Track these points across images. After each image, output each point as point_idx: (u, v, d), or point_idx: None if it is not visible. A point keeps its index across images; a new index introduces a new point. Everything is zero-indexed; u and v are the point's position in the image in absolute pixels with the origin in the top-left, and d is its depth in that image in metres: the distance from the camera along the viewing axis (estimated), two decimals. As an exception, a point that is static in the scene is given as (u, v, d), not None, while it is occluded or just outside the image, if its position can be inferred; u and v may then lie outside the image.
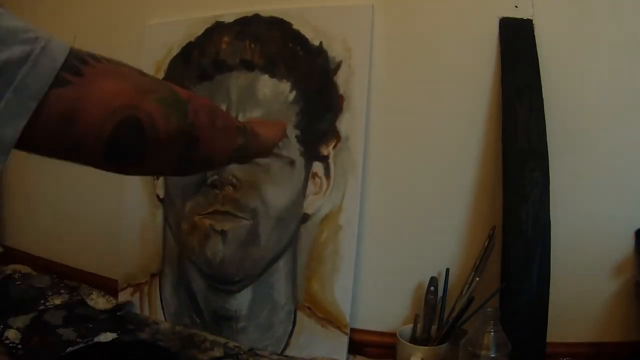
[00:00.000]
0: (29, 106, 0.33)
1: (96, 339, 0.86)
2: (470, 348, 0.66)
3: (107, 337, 0.88)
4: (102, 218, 1.13)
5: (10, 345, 0.84)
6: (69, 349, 0.82)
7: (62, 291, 1.08)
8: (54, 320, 0.94)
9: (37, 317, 0.94)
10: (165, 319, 0.97)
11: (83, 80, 0.37)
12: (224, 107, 0.93)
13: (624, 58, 0.79)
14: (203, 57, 0.98)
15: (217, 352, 0.87)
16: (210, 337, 0.90)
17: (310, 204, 0.88)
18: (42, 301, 1.03)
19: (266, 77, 0.92)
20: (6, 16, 0.34)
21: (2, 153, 0.33)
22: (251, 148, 0.63)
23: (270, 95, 0.91)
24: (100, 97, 0.38)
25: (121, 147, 0.40)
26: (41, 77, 0.34)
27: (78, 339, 0.87)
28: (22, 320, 0.91)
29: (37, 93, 0.34)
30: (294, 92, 0.90)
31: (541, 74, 0.77)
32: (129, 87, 0.41)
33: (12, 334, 0.86)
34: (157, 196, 1.01)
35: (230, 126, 0.57)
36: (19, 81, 0.33)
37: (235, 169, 0.91)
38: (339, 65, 0.88)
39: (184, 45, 1.01)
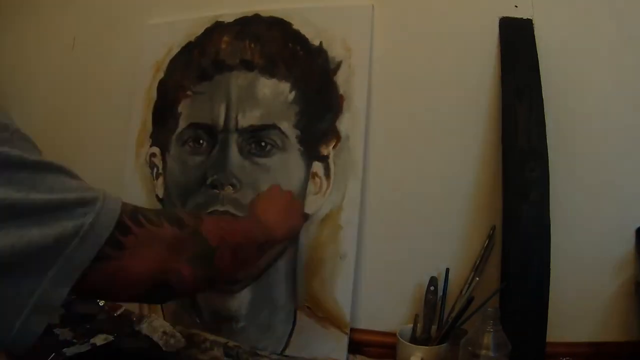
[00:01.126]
0: (73, 276, 0.38)
1: (92, 340, 0.86)
2: (470, 348, 0.66)
3: (102, 338, 0.88)
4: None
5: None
6: (64, 350, 0.82)
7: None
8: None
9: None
10: (165, 318, 0.97)
11: (124, 254, 0.42)
12: (223, 107, 0.93)
13: (624, 58, 0.79)
14: (203, 57, 0.98)
15: (217, 352, 0.87)
16: (210, 337, 0.90)
17: (310, 204, 0.88)
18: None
19: (266, 77, 0.92)
20: (61, 186, 0.38)
21: (46, 315, 0.37)
22: (265, 253, 0.72)
23: (270, 95, 0.91)
24: (138, 268, 0.44)
25: (153, 298, 0.50)
26: (86, 252, 0.38)
27: (74, 340, 0.87)
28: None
29: (82, 265, 0.38)
30: (294, 92, 0.90)
31: (541, 74, 0.77)
32: (165, 252, 0.47)
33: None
34: (157, 196, 1.01)
35: (252, 253, 0.64)
36: (67, 254, 0.37)
37: (235, 170, 0.91)
38: (339, 65, 0.88)
39: (183, 45, 1.01)
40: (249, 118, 0.91)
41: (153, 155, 1.02)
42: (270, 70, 0.91)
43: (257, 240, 0.65)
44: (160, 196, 1.01)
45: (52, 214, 0.36)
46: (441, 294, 0.80)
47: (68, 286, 0.38)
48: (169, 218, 0.49)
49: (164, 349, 0.87)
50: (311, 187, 0.88)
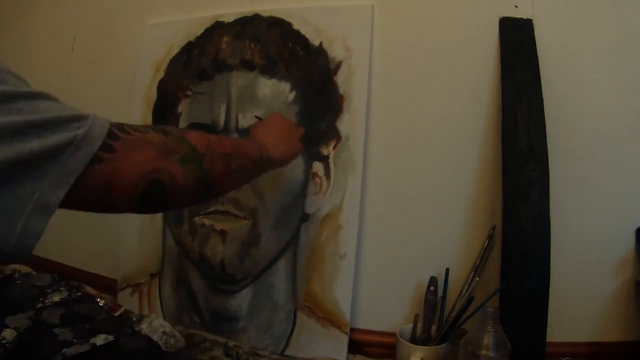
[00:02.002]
0: (68, 181, 0.42)
1: (92, 341, 0.86)
2: (470, 348, 0.66)
3: (101, 339, 0.87)
4: (101, 218, 1.12)
5: (7, 345, 0.84)
6: (64, 350, 0.82)
7: (62, 288, 1.08)
8: (51, 319, 0.94)
9: (35, 315, 0.94)
10: (164, 318, 0.97)
11: (115, 156, 0.45)
12: (223, 107, 0.93)
13: (624, 58, 0.79)
14: (203, 57, 0.98)
15: (217, 352, 0.87)
16: (210, 337, 0.90)
17: (311, 204, 0.88)
18: (41, 299, 1.02)
19: (266, 77, 0.92)
20: (56, 107, 0.43)
21: (45, 215, 0.41)
22: (264, 172, 0.72)
23: (270, 95, 0.91)
24: (130, 168, 0.47)
25: (149, 202, 0.50)
26: (81, 158, 0.42)
27: (74, 340, 0.86)
28: (20, 319, 0.91)
29: (77, 170, 0.42)
30: (294, 92, 0.90)
31: (541, 74, 0.77)
32: (154, 153, 0.49)
33: (8, 334, 0.86)
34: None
35: (245, 164, 0.64)
36: (63, 160, 0.41)
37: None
38: (339, 65, 0.88)
39: (183, 44, 1.01)
40: (249, 118, 0.91)
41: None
42: (270, 70, 0.91)
43: (250, 154, 0.66)
44: (160, 196, 1.01)
45: (50, 128, 0.41)
46: (441, 294, 0.81)
47: (65, 189, 0.41)
48: (153, 128, 0.52)
49: (164, 349, 0.87)
50: (311, 187, 0.88)
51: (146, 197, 0.49)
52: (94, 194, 0.45)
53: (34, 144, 0.39)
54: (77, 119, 0.43)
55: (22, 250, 0.41)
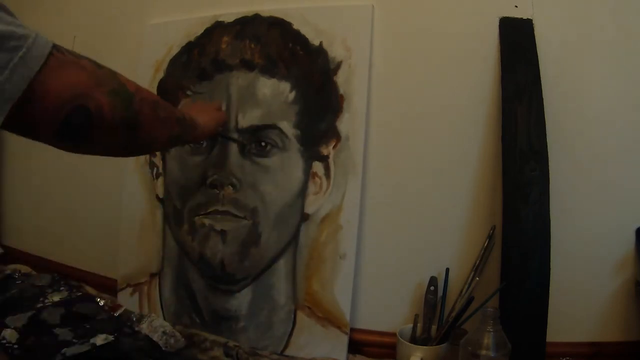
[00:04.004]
0: (4, 108, 0.40)
1: (92, 340, 0.86)
2: (470, 348, 0.66)
3: (101, 339, 0.88)
4: (101, 218, 1.13)
5: (7, 345, 0.84)
6: (64, 350, 0.82)
7: (62, 288, 1.08)
8: (51, 319, 0.94)
9: (34, 315, 0.94)
10: (165, 318, 0.97)
11: (46, 71, 0.43)
12: (224, 107, 0.93)
13: (624, 58, 0.79)
14: (203, 57, 0.98)
15: (217, 352, 0.87)
16: (210, 337, 0.90)
17: (311, 204, 0.88)
18: (41, 299, 1.02)
19: (266, 77, 0.92)
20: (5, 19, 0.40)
21: None
22: (188, 135, 0.71)
23: (270, 95, 0.91)
24: (57, 87, 0.45)
25: (71, 129, 0.47)
26: (17, 84, 0.40)
27: (74, 340, 0.86)
28: (20, 319, 0.91)
29: (12, 97, 0.40)
30: (294, 92, 0.90)
31: (541, 73, 0.77)
32: (85, 78, 0.48)
33: (8, 334, 0.86)
34: (157, 196, 1.01)
35: (171, 117, 0.63)
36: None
37: (235, 169, 0.91)
38: (339, 65, 0.88)
39: (183, 44, 1.01)
40: (249, 118, 0.91)
41: (153, 155, 1.02)
42: (270, 70, 0.91)
43: (175, 112, 0.65)
44: (160, 196, 1.01)
45: None
46: (441, 294, 0.81)
47: (2, 115, 0.40)
48: (88, 57, 0.51)
49: (164, 349, 0.87)
50: (311, 187, 0.88)
51: (69, 122, 0.46)
52: (25, 109, 0.43)
53: None
54: (16, 36, 0.41)
55: None
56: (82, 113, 0.47)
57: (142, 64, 1.06)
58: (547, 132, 0.76)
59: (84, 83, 0.47)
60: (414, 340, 0.79)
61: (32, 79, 0.41)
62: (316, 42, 0.90)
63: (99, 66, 0.51)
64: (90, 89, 0.48)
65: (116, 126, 0.51)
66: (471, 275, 0.79)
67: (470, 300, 0.74)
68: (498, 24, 0.82)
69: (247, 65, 0.93)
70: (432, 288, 0.81)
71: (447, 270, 0.81)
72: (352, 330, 0.85)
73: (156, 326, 0.91)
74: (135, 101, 0.53)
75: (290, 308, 0.88)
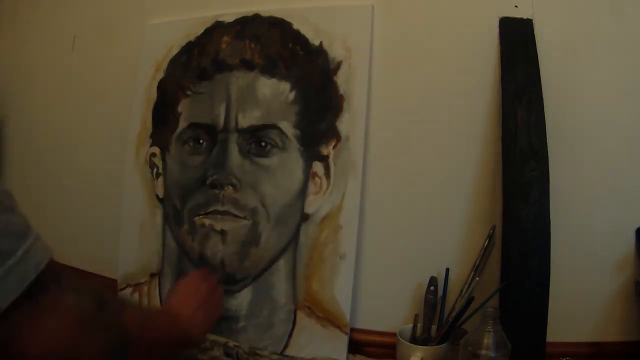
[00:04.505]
0: None
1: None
2: (470, 348, 0.66)
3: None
4: (101, 218, 1.13)
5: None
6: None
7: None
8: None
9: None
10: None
11: (37, 314, 0.37)
12: (223, 107, 0.93)
13: (624, 58, 0.79)
14: (203, 57, 0.98)
15: (217, 352, 0.87)
16: (210, 337, 0.90)
17: (310, 204, 0.88)
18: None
19: (266, 77, 0.92)
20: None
21: None
22: (188, 350, 0.68)
23: (270, 95, 0.91)
24: (45, 340, 0.38)
25: None
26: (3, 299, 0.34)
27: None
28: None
29: None
30: (294, 92, 0.90)
31: (541, 73, 0.77)
32: (77, 330, 0.41)
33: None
34: (157, 196, 1.01)
35: (164, 352, 0.57)
36: None
37: (235, 169, 0.91)
38: (339, 65, 0.88)
39: (183, 44, 1.01)
40: (249, 118, 0.91)
41: (153, 155, 1.02)
42: (270, 70, 0.91)
43: (171, 341, 0.60)
44: (160, 196, 1.01)
45: None
46: (441, 294, 0.81)
47: None
48: (92, 293, 0.44)
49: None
50: (311, 187, 0.88)
51: None
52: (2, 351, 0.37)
53: None
54: (4, 251, 0.35)
55: None
56: None
57: (142, 64, 1.06)
58: (547, 132, 0.75)
59: (73, 335, 0.40)
60: (414, 340, 0.79)
61: (16, 313, 0.35)
62: (316, 42, 0.90)
63: (101, 306, 0.45)
64: (79, 341, 0.41)
65: None
66: (471, 275, 0.79)
67: (470, 300, 0.74)
68: (498, 24, 0.82)
69: (247, 65, 0.93)
70: (432, 288, 0.81)
71: (447, 270, 0.81)
72: (352, 330, 0.85)
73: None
74: (131, 349, 0.47)
75: (290, 308, 0.88)
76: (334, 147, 0.87)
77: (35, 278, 0.36)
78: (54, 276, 0.39)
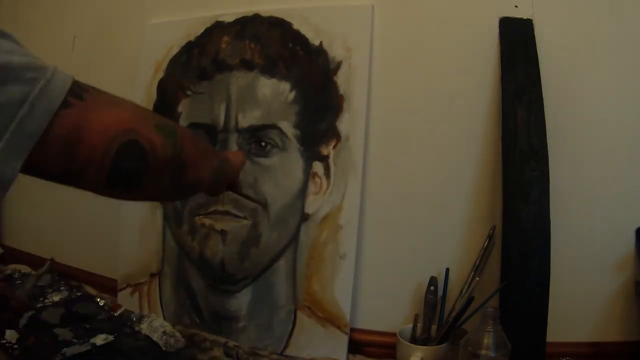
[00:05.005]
0: (25, 147, 0.34)
1: (92, 340, 0.86)
2: (470, 348, 0.66)
3: (102, 338, 0.88)
4: (101, 218, 1.13)
5: (7, 345, 0.84)
6: (64, 350, 0.82)
7: (62, 288, 1.08)
8: (51, 319, 0.94)
9: (35, 315, 0.94)
10: (165, 318, 0.97)
11: (85, 104, 0.38)
12: (223, 107, 0.93)
13: (624, 58, 0.79)
14: (203, 57, 0.98)
15: (217, 352, 0.87)
16: (210, 337, 0.90)
17: (310, 204, 0.88)
18: (41, 299, 1.02)
19: (266, 77, 0.92)
20: (5, 49, 0.34)
21: (1, 189, 0.34)
22: (225, 170, 0.65)
23: (270, 95, 0.91)
24: (102, 121, 0.39)
25: (124, 170, 0.41)
26: (38, 119, 0.35)
27: (74, 340, 0.87)
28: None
29: (34, 135, 0.35)
30: (294, 92, 0.90)
31: (541, 73, 0.77)
32: (129, 114, 0.42)
33: (8, 334, 0.86)
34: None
35: (209, 150, 0.59)
36: (16, 124, 0.33)
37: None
38: (339, 65, 0.88)
39: (183, 44, 1.01)
40: (249, 118, 0.91)
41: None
42: (270, 70, 0.91)
43: (209, 147, 0.62)
44: (160, 196, 1.01)
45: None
46: (441, 294, 0.81)
47: (21, 158, 0.34)
48: (125, 98, 0.45)
49: (164, 349, 0.87)
50: (311, 187, 0.88)
51: (121, 163, 0.40)
52: (59, 148, 0.37)
53: None
54: (33, 67, 0.35)
55: None
56: (135, 149, 0.41)
57: (142, 64, 1.06)
58: (547, 132, 0.75)
59: (128, 118, 0.42)
60: (414, 340, 0.79)
61: (65, 111, 0.36)
62: (316, 42, 0.90)
63: (137, 105, 0.47)
64: (137, 124, 0.42)
65: (168, 164, 0.46)
66: (471, 275, 0.79)
67: (470, 300, 0.74)
68: (498, 24, 0.82)
69: (247, 65, 0.93)
70: (432, 288, 0.81)
71: (447, 270, 0.81)
72: (352, 330, 0.85)
73: (156, 326, 0.91)
74: (179, 137, 0.48)
75: (290, 308, 0.88)
76: (334, 147, 0.87)
77: (72, 83, 0.38)
78: (85, 85, 0.40)
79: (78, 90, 0.38)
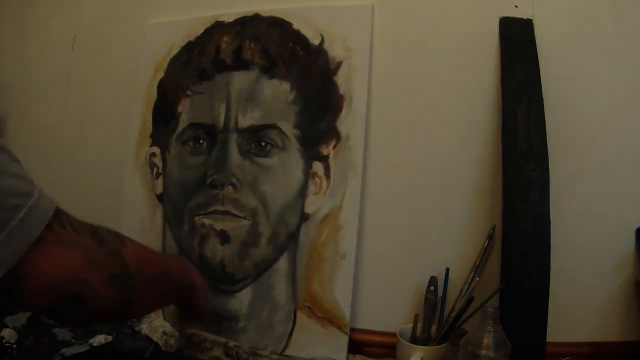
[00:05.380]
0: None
1: (91, 341, 0.86)
2: (470, 348, 0.66)
3: (101, 339, 0.87)
4: (101, 217, 1.12)
5: (6, 345, 0.84)
6: (63, 350, 0.82)
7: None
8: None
9: (34, 315, 0.94)
10: (164, 318, 0.97)
11: (41, 248, 0.38)
12: (223, 107, 0.93)
13: (624, 58, 0.79)
14: (203, 57, 0.98)
15: (217, 352, 0.87)
16: (211, 337, 0.90)
17: (310, 204, 0.88)
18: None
19: (266, 77, 0.92)
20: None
21: None
22: (183, 300, 0.63)
23: (270, 95, 0.91)
24: (52, 268, 0.40)
25: (60, 315, 0.44)
26: (15, 249, 0.36)
27: (73, 340, 0.86)
28: (19, 319, 0.91)
29: (6, 263, 0.36)
30: (294, 92, 0.90)
31: (541, 74, 0.77)
32: (81, 262, 0.42)
33: (7, 333, 0.85)
34: (157, 196, 1.01)
35: (168, 291, 0.58)
36: None
37: (235, 169, 0.91)
38: (339, 65, 0.88)
39: (183, 44, 1.01)
40: (249, 118, 0.91)
41: (153, 155, 1.02)
42: (270, 70, 0.91)
43: (176, 278, 0.60)
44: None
45: None
46: (441, 294, 0.80)
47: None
48: (90, 231, 0.46)
49: (164, 349, 0.87)
50: (311, 187, 0.88)
51: (57, 310, 0.42)
52: (9, 282, 0.38)
53: None
54: (17, 194, 0.36)
55: None
56: (71, 302, 0.42)
57: (142, 64, 1.06)
58: (547, 132, 0.76)
59: (80, 268, 0.42)
60: (414, 340, 0.79)
61: (26, 252, 0.37)
62: (316, 42, 0.90)
63: (101, 243, 0.47)
64: (86, 275, 0.43)
65: (110, 311, 0.47)
66: (471, 275, 0.79)
67: (470, 300, 0.74)
68: (498, 24, 0.82)
69: (247, 65, 0.93)
70: (432, 288, 0.81)
71: (447, 270, 0.81)
72: (352, 330, 0.85)
73: (156, 326, 0.91)
74: (134, 284, 0.48)
75: (290, 308, 0.88)
76: (334, 147, 0.87)
77: (51, 216, 0.39)
78: (57, 217, 0.41)
79: (54, 226, 0.39)
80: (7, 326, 0.88)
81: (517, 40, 0.80)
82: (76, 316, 0.44)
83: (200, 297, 0.64)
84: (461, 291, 0.79)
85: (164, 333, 0.89)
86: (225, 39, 0.96)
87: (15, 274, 0.37)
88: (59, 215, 0.41)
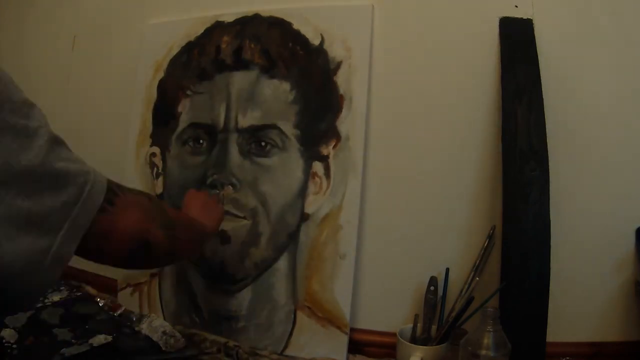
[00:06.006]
0: (79, 234, 0.45)
1: (91, 341, 0.86)
2: (470, 348, 0.66)
3: (100, 339, 0.87)
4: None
5: (6, 344, 0.84)
6: (63, 350, 0.82)
7: (62, 288, 1.08)
8: (51, 319, 0.94)
9: (34, 315, 0.94)
10: (165, 318, 0.97)
11: (115, 209, 0.50)
12: (223, 107, 0.93)
13: (624, 58, 0.79)
14: (203, 57, 0.98)
15: (217, 352, 0.87)
16: (210, 337, 0.90)
17: (310, 204, 0.88)
18: (41, 299, 1.02)
19: (266, 77, 0.92)
20: (65, 157, 0.45)
21: (60, 267, 0.44)
22: (207, 241, 0.84)
23: (270, 95, 0.91)
24: (126, 223, 0.51)
25: (136, 258, 0.55)
26: (88, 214, 0.46)
27: (73, 340, 0.86)
28: (19, 319, 0.91)
29: (85, 226, 0.46)
30: (294, 92, 0.90)
31: (541, 74, 0.77)
32: (144, 215, 0.55)
33: (7, 333, 0.86)
34: (157, 196, 1.01)
35: (196, 235, 0.72)
36: (72, 217, 0.44)
37: (235, 169, 0.91)
38: (339, 65, 0.88)
39: (184, 44, 1.01)
40: (249, 118, 0.91)
41: (153, 155, 1.02)
42: (270, 70, 0.91)
43: (198, 228, 0.72)
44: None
45: (61, 182, 0.43)
46: (441, 294, 0.80)
47: (76, 242, 0.45)
48: (137, 191, 0.58)
49: (164, 349, 0.87)
50: (311, 187, 0.88)
51: (135, 254, 0.53)
52: (94, 242, 0.48)
53: (46, 199, 0.42)
54: (83, 173, 0.46)
55: (37, 297, 0.47)
56: (144, 247, 0.54)
57: (142, 64, 1.06)
58: (547, 132, 0.75)
59: (144, 220, 0.54)
60: (414, 340, 0.79)
61: (101, 216, 0.47)
62: (316, 42, 0.90)
63: (150, 199, 0.59)
64: (148, 224, 0.55)
65: (166, 252, 0.60)
66: (471, 275, 0.79)
67: (470, 300, 0.74)
68: (498, 24, 0.82)
69: (247, 65, 0.93)
70: (432, 288, 0.81)
71: (447, 270, 0.81)
72: (352, 330, 0.85)
73: (156, 326, 0.91)
74: (176, 229, 0.62)
75: (290, 308, 0.88)
76: (334, 147, 0.87)
77: (107, 190, 0.49)
78: (115, 185, 0.51)
79: (110, 195, 0.49)
80: (7, 326, 0.88)
81: (517, 40, 0.80)
82: (148, 260, 0.58)
83: (209, 239, 0.82)
84: (461, 291, 0.79)
85: (164, 333, 0.89)
86: (225, 39, 0.96)
87: (94, 236, 0.46)
88: (110, 183, 0.50)
